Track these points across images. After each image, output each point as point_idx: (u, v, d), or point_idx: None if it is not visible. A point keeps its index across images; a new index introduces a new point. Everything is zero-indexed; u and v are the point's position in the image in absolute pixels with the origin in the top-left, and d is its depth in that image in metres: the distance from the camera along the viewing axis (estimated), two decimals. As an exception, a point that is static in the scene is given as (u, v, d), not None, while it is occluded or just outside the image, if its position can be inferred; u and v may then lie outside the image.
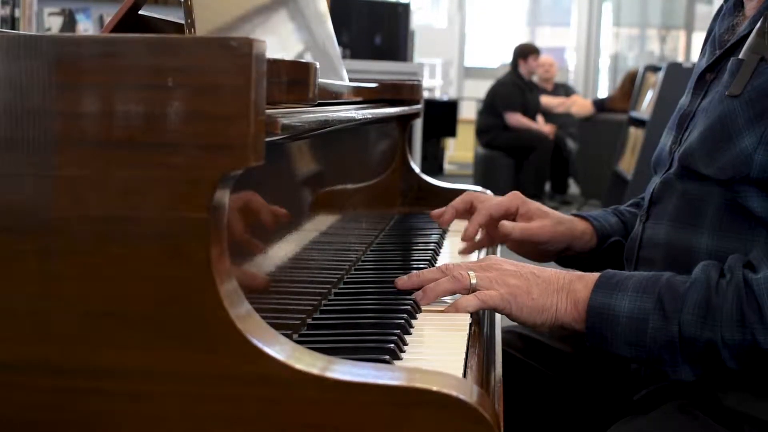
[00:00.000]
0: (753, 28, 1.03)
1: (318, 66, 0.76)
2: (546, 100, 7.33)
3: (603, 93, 10.23)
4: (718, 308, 0.88)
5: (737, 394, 0.93)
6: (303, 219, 1.00)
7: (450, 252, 1.35)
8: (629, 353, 0.92)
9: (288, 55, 1.14)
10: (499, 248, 1.35)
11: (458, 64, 10.66)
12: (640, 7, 10.90)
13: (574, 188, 7.42)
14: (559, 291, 0.95)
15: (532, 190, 6.92)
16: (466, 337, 0.88)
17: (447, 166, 9.28)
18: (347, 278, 1.13)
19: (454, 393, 0.62)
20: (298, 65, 0.74)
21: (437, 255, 1.31)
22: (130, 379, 0.65)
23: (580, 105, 6.97)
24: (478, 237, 1.29)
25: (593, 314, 0.93)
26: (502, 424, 0.68)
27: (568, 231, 1.25)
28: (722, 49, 1.08)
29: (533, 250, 1.26)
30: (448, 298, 0.99)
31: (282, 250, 0.90)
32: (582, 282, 0.96)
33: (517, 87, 7.02)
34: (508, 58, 7.34)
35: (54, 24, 3.74)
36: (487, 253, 1.32)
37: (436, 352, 0.85)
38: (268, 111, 0.67)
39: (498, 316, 1.05)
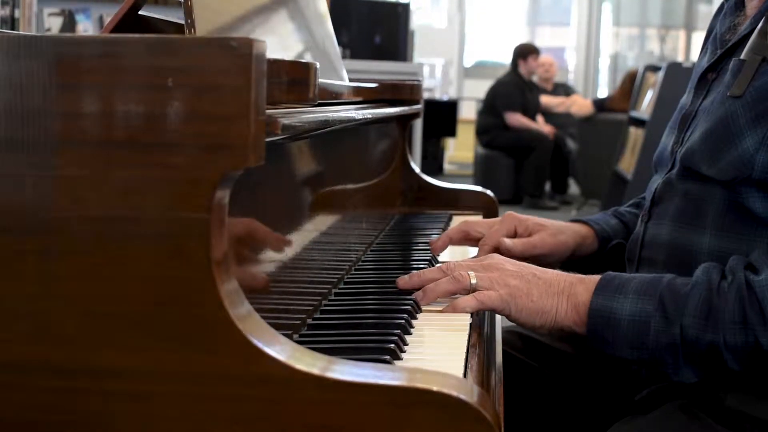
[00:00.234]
0: (754, 28, 1.03)
1: (318, 66, 0.76)
2: (546, 99, 7.33)
3: (603, 93, 10.23)
4: (720, 310, 0.88)
5: (738, 394, 0.93)
6: (303, 219, 1.00)
7: (450, 252, 1.35)
8: (631, 356, 0.92)
9: (288, 55, 1.14)
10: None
11: (458, 64, 10.66)
12: (640, 7, 10.90)
13: (574, 188, 7.42)
14: (560, 294, 0.95)
15: (532, 190, 6.93)
16: (467, 338, 0.88)
17: (447, 166, 9.28)
18: (347, 278, 1.13)
19: (454, 393, 0.62)
20: (298, 65, 0.74)
21: (434, 263, 1.31)
22: (131, 379, 0.65)
23: (580, 105, 6.97)
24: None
25: (594, 317, 0.93)
26: (503, 424, 0.68)
27: (570, 239, 1.24)
28: (723, 48, 1.08)
29: (537, 263, 1.25)
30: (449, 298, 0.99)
31: (282, 250, 0.90)
32: (583, 285, 0.95)
33: (517, 87, 7.02)
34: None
35: (54, 24, 3.74)
36: None
37: (437, 352, 0.85)
38: (268, 111, 0.67)
39: (498, 316, 1.05)
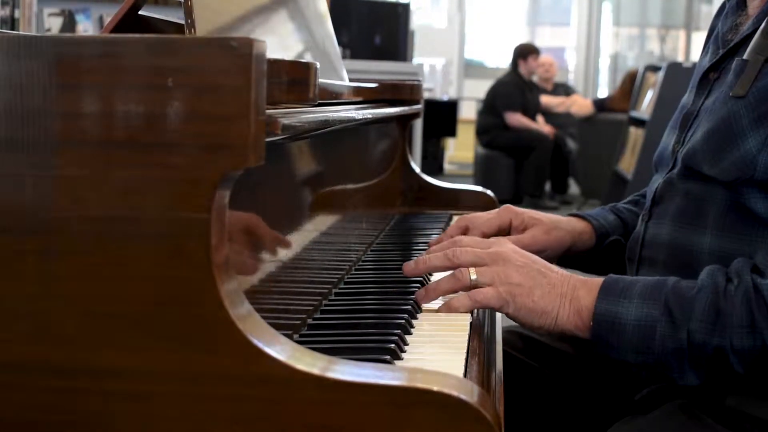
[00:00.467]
0: (756, 28, 1.03)
1: (318, 66, 0.76)
2: (546, 99, 7.33)
3: (603, 93, 10.23)
4: (727, 314, 0.87)
5: (739, 395, 0.93)
6: (303, 219, 1.00)
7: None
8: (636, 360, 0.91)
9: (288, 55, 1.14)
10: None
11: (458, 64, 10.66)
12: (640, 7, 10.90)
13: (574, 188, 7.42)
14: (563, 296, 0.93)
15: (532, 190, 6.93)
16: (467, 337, 0.88)
17: (447, 166, 9.28)
18: (348, 278, 1.13)
19: (454, 393, 0.62)
20: (298, 65, 0.74)
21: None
22: (131, 380, 0.65)
23: (580, 105, 6.97)
24: None
25: (599, 322, 0.91)
26: (503, 424, 0.68)
27: (566, 234, 1.23)
28: (725, 48, 1.08)
29: None
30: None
31: (282, 250, 0.90)
32: (585, 288, 0.94)
33: (517, 87, 7.02)
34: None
35: (54, 24, 3.74)
36: None
37: (437, 352, 0.85)
38: (268, 111, 0.67)
39: (499, 316, 1.05)
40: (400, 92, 1.54)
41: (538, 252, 1.22)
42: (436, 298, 0.98)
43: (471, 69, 10.95)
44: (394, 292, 1.02)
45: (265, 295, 0.82)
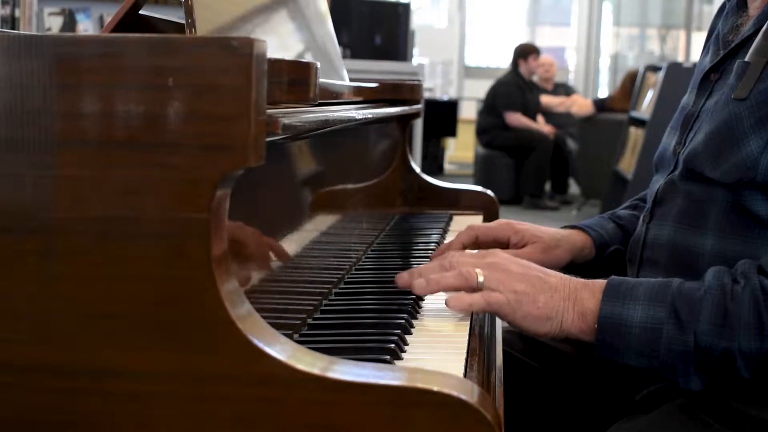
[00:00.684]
0: (757, 29, 1.02)
1: (319, 66, 0.76)
2: (546, 99, 7.33)
3: (603, 93, 10.23)
4: (735, 316, 0.86)
5: (739, 395, 0.93)
6: (303, 219, 1.00)
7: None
8: (640, 363, 0.90)
9: (288, 54, 1.14)
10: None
11: (458, 64, 10.66)
12: (641, 7, 10.90)
13: (574, 188, 7.42)
14: (566, 300, 0.92)
15: (532, 190, 6.93)
16: (467, 338, 0.88)
17: (447, 166, 9.28)
18: (348, 278, 1.13)
19: (455, 393, 0.62)
20: (298, 65, 0.74)
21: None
22: (131, 380, 0.65)
23: (580, 105, 6.97)
24: None
25: (604, 325, 0.90)
26: (503, 424, 0.68)
27: (565, 253, 1.22)
28: (726, 49, 1.08)
29: None
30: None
31: (283, 250, 0.90)
32: (588, 290, 0.93)
33: (518, 87, 7.02)
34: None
35: (54, 24, 3.74)
36: None
37: (437, 352, 0.85)
38: (268, 111, 0.67)
39: (499, 315, 1.05)
40: (401, 92, 1.54)
41: None
42: (437, 291, 0.95)
43: (471, 69, 10.95)
44: (394, 292, 1.02)
45: (265, 295, 0.82)
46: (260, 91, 0.64)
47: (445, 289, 0.95)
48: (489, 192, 1.69)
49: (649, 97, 5.20)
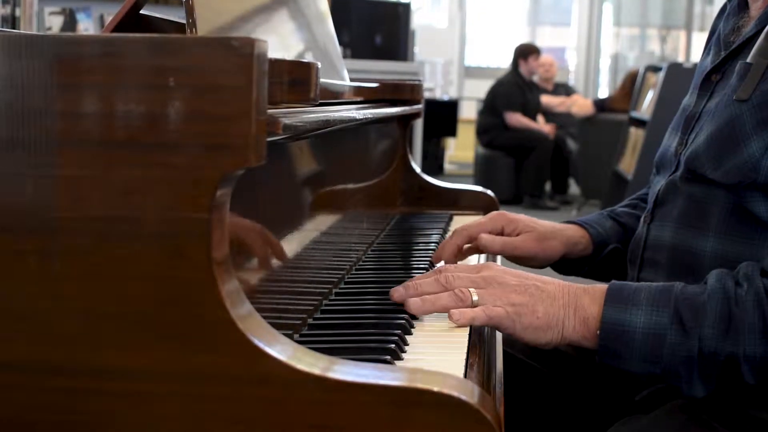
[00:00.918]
0: (759, 30, 1.02)
1: (319, 66, 0.76)
2: (546, 99, 7.33)
3: (603, 93, 10.23)
4: (739, 320, 0.85)
5: (740, 395, 0.93)
6: (304, 219, 1.00)
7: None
8: (643, 370, 0.89)
9: (289, 54, 1.14)
10: (499, 259, 1.30)
11: (459, 64, 10.66)
12: (641, 7, 10.90)
13: (574, 188, 7.42)
14: (566, 307, 0.91)
15: (532, 190, 6.93)
16: (467, 338, 0.88)
17: (447, 166, 9.28)
18: (348, 278, 1.13)
19: (455, 393, 0.62)
20: (299, 65, 0.74)
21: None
22: (131, 380, 0.65)
23: (580, 105, 6.97)
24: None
25: (606, 330, 0.89)
26: (503, 424, 0.68)
27: (559, 244, 1.21)
28: (727, 50, 1.08)
29: (520, 263, 1.23)
30: None
31: (283, 250, 0.90)
32: (588, 296, 0.91)
33: (518, 87, 7.03)
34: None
35: (54, 23, 3.74)
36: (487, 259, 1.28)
37: (437, 352, 0.85)
38: (269, 111, 0.67)
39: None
40: (401, 92, 1.54)
41: (527, 258, 1.21)
42: (432, 311, 0.93)
43: (471, 69, 10.95)
44: (394, 293, 1.01)
45: (265, 295, 0.82)
46: (261, 91, 0.64)
47: (440, 311, 0.92)
48: (489, 192, 1.69)
49: (650, 97, 5.20)
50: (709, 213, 0.99)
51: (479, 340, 0.90)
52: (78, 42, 0.65)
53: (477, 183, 6.70)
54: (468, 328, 0.90)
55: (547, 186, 7.23)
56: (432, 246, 1.33)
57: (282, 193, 0.92)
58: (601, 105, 6.77)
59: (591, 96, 9.44)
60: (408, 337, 0.87)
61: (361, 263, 1.22)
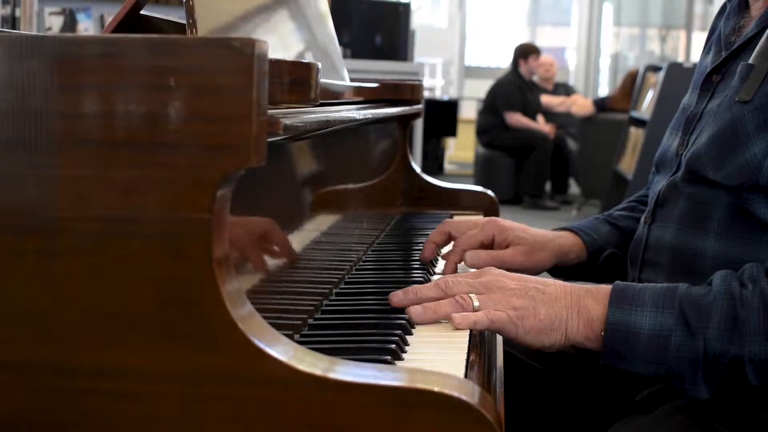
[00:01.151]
0: (760, 30, 1.02)
1: (319, 66, 0.76)
2: (546, 99, 7.33)
3: (603, 93, 10.23)
4: (745, 322, 0.85)
5: (740, 396, 0.93)
6: (304, 219, 1.00)
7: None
8: (647, 371, 0.88)
9: (289, 55, 1.14)
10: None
11: (459, 63, 10.66)
12: (641, 7, 10.90)
13: (574, 188, 7.42)
14: (569, 308, 0.90)
15: (533, 190, 6.93)
16: (468, 338, 0.88)
17: (447, 166, 9.28)
18: (348, 278, 1.13)
19: (455, 394, 0.62)
20: (299, 66, 0.74)
21: (438, 255, 1.31)
22: (131, 380, 0.65)
23: (580, 105, 6.97)
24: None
25: (611, 332, 0.88)
26: (504, 424, 0.68)
27: (548, 256, 1.20)
28: (728, 50, 1.08)
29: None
30: None
31: (283, 250, 0.90)
32: (592, 298, 0.91)
33: (518, 87, 7.03)
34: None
35: (55, 23, 3.74)
36: None
37: (438, 352, 0.85)
38: (269, 111, 0.67)
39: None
40: (401, 92, 1.54)
41: (515, 271, 1.21)
42: (434, 320, 0.92)
43: (471, 69, 10.95)
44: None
45: (266, 296, 0.82)
46: (261, 92, 0.64)
47: (442, 318, 0.92)
48: (489, 192, 1.69)
49: (650, 97, 5.20)
50: (710, 214, 0.99)
51: (480, 340, 0.90)
52: (78, 42, 0.65)
53: (477, 183, 6.70)
54: (469, 329, 0.90)
55: (547, 186, 7.23)
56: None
57: (282, 193, 0.92)
58: (601, 105, 6.77)
59: (591, 96, 9.44)
60: (408, 338, 0.87)
61: (361, 263, 1.22)
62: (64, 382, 0.66)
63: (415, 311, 0.92)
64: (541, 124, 7.07)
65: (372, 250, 1.31)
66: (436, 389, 0.63)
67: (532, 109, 7.08)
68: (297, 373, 0.63)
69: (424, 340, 0.88)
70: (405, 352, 0.83)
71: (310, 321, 0.93)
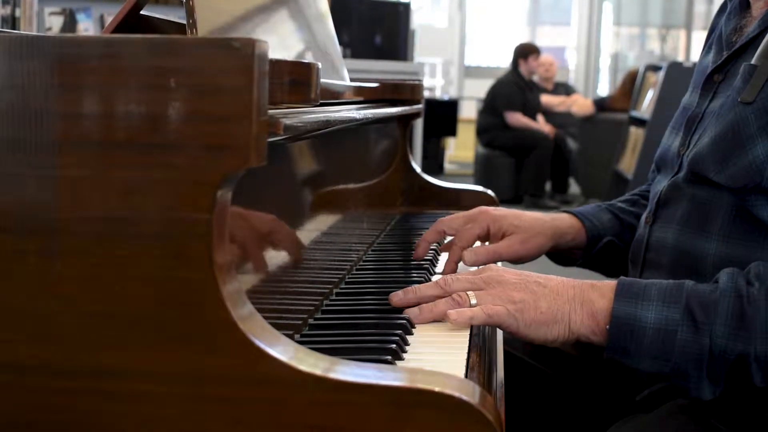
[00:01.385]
0: (762, 30, 1.02)
1: (320, 66, 0.76)
2: (546, 99, 7.33)
3: (603, 92, 10.23)
4: (752, 319, 0.84)
5: (740, 395, 0.92)
6: (304, 219, 1.00)
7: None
8: (652, 367, 0.87)
9: (289, 55, 1.14)
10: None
11: (459, 63, 10.66)
12: (641, 7, 10.90)
13: (574, 188, 7.42)
14: (571, 301, 0.90)
15: (533, 190, 6.94)
16: (468, 338, 0.88)
17: (447, 166, 9.28)
18: (349, 278, 1.13)
19: (456, 394, 0.62)
20: (299, 66, 0.74)
21: (438, 255, 1.31)
22: (131, 380, 0.65)
23: (580, 104, 6.97)
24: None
25: (617, 325, 0.88)
26: (504, 424, 0.68)
27: (545, 239, 1.20)
28: (730, 50, 1.07)
29: (513, 263, 1.22)
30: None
31: (284, 250, 0.89)
32: (596, 291, 0.91)
33: (518, 86, 7.02)
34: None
35: (55, 24, 3.74)
36: None
37: (438, 352, 0.85)
38: (269, 111, 0.67)
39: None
40: (401, 92, 1.54)
41: (514, 260, 1.21)
42: (431, 320, 0.92)
43: (471, 69, 10.95)
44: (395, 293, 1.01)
45: (266, 296, 0.82)
46: (262, 92, 0.64)
47: (439, 317, 0.92)
48: (489, 192, 1.69)
49: (650, 96, 5.20)
50: (712, 215, 0.98)
51: (480, 340, 0.90)
52: (78, 43, 0.65)
53: (477, 183, 6.70)
54: (469, 328, 0.90)
55: (548, 185, 7.23)
56: (432, 246, 1.33)
57: (282, 193, 0.92)
58: (601, 104, 6.77)
59: (591, 95, 9.45)
60: (409, 337, 0.87)
61: (361, 263, 1.22)
62: (64, 383, 0.66)
63: (412, 312, 0.92)
64: (541, 124, 7.07)
65: (372, 250, 1.31)
66: (436, 389, 0.63)
67: (532, 109, 7.08)
68: (297, 373, 0.63)
69: (424, 340, 0.88)
70: (405, 352, 0.83)
71: (311, 321, 0.93)
